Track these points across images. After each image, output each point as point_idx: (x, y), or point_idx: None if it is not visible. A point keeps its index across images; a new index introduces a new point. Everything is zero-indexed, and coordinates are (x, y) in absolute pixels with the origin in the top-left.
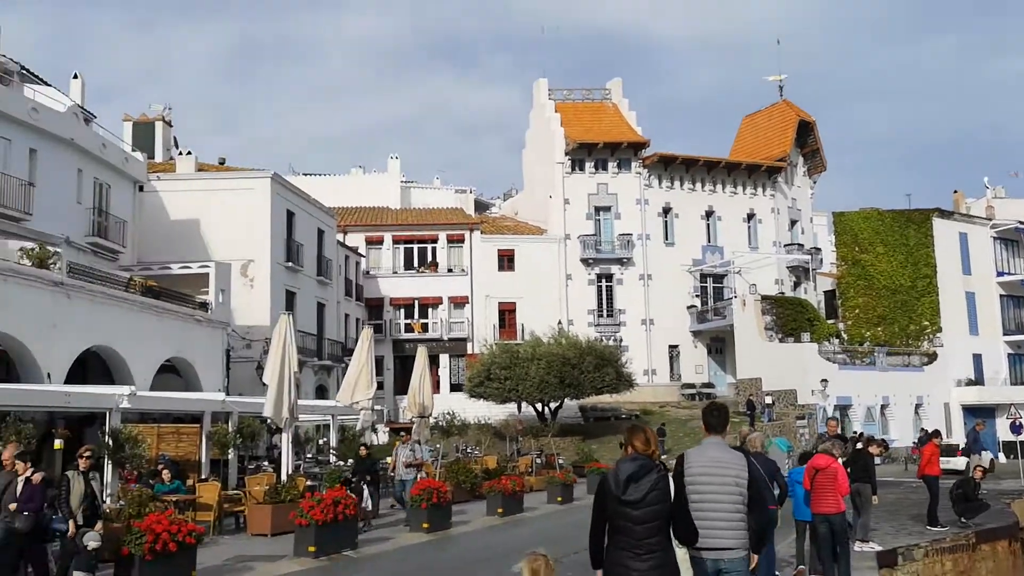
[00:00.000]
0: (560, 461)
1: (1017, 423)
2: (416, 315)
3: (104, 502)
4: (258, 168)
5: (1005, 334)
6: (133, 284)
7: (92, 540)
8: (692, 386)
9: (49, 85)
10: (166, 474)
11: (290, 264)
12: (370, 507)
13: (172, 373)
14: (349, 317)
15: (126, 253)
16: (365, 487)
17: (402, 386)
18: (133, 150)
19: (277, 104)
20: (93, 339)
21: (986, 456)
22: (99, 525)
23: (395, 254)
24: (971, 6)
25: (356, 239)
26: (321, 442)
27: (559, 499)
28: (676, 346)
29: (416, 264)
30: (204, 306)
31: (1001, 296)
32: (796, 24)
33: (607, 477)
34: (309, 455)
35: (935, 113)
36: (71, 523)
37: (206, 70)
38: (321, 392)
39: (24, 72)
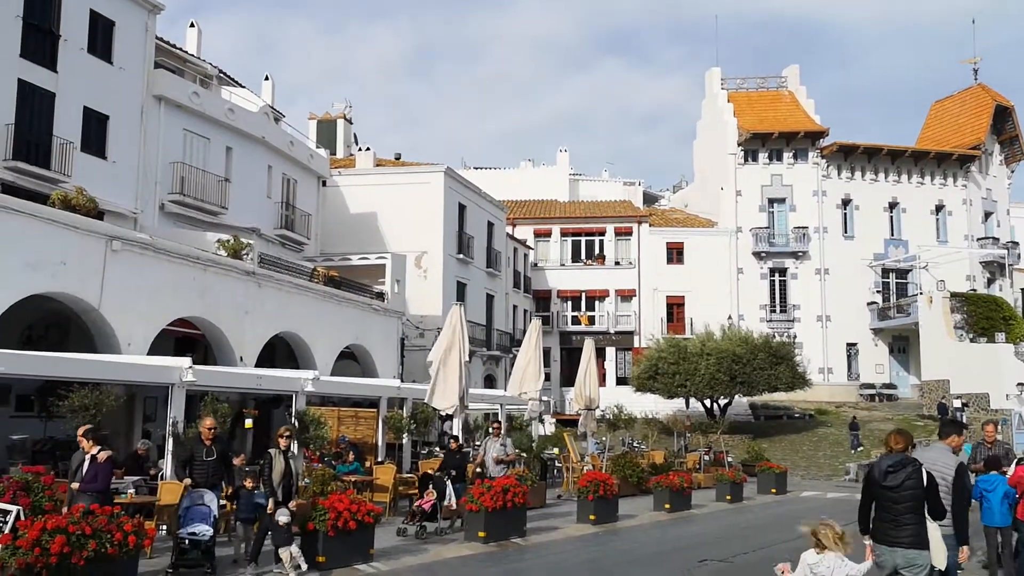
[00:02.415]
0: (729, 459)
1: None
2: (583, 308)
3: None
4: (432, 163)
5: None
6: (316, 274)
7: (282, 515)
8: (872, 386)
9: (243, 87)
10: (350, 456)
11: (461, 256)
12: (455, 505)
13: (351, 359)
14: (517, 308)
15: (310, 245)
16: (449, 484)
17: (568, 378)
18: (317, 147)
19: (450, 100)
20: (281, 326)
21: None
22: (294, 502)
23: (563, 246)
24: None
25: (525, 232)
26: (491, 430)
27: (728, 498)
28: (854, 344)
29: (583, 257)
30: (381, 296)
31: None
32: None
33: (872, 468)
34: (478, 443)
35: None
36: (271, 500)
37: (384, 69)
38: (489, 381)
39: (222, 75)
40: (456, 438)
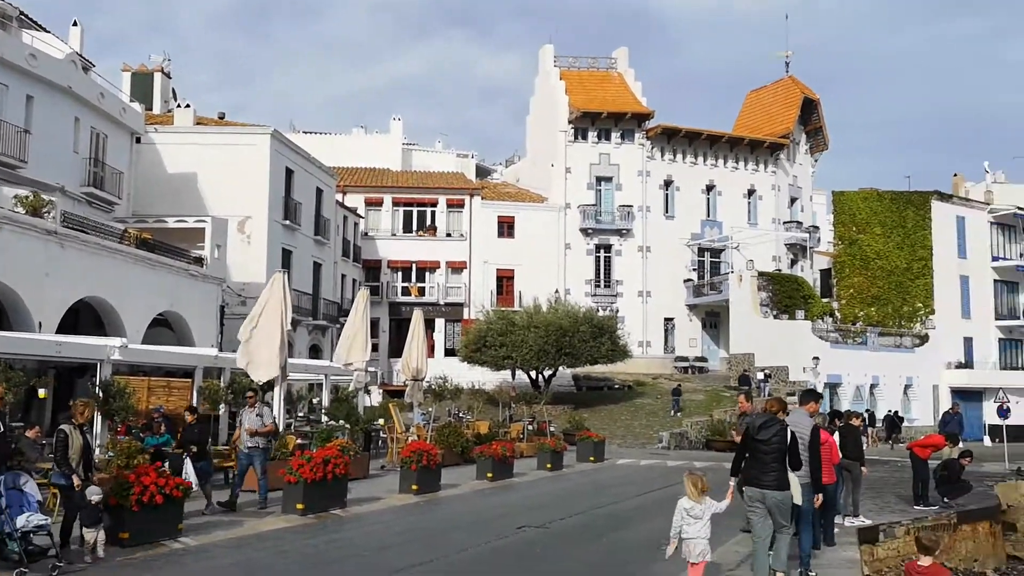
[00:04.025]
0: (551, 429)
1: (1004, 407)
2: (413, 279)
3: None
4: (258, 124)
5: (997, 319)
6: (128, 236)
7: (94, 494)
8: (685, 359)
9: (48, 32)
10: (161, 428)
11: (288, 222)
12: (195, 487)
13: (165, 327)
14: (346, 278)
15: (121, 204)
16: (188, 461)
17: (397, 349)
18: (131, 101)
19: (281, 61)
20: (86, 290)
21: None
22: (96, 476)
23: (394, 216)
24: None
25: (355, 200)
26: (314, 401)
27: (548, 466)
28: (672, 319)
29: (415, 227)
30: (199, 261)
31: (995, 281)
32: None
33: (749, 424)
34: (301, 414)
35: (939, 96)
36: (75, 477)
37: (208, 23)
38: (315, 351)
39: (23, 18)
40: (194, 409)
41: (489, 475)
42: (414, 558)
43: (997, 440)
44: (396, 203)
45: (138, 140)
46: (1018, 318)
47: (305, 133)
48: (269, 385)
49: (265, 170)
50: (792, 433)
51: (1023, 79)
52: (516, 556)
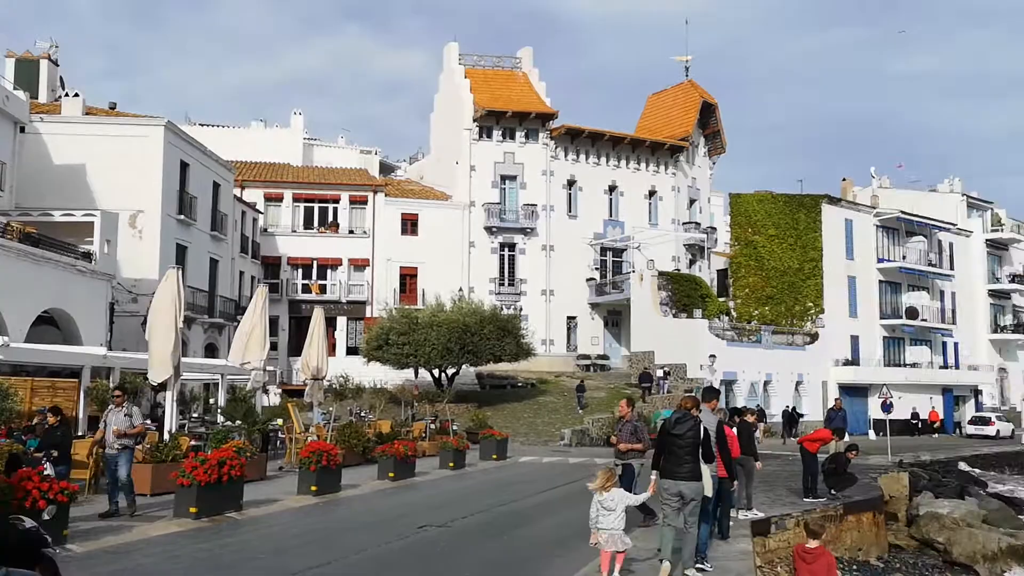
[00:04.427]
0: (454, 427)
1: (887, 402)
2: (314, 276)
3: None
4: (152, 115)
5: (881, 318)
6: (10, 230)
7: None
8: (587, 357)
9: None
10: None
11: (182, 217)
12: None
13: (50, 325)
14: (244, 275)
15: (4, 196)
16: (49, 465)
17: (297, 347)
18: (15, 88)
19: (177, 50)
20: None
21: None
22: None
23: (295, 212)
24: (875, 3)
25: (254, 195)
26: (209, 401)
27: (451, 465)
28: (574, 317)
29: (316, 224)
30: (87, 256)
31: (880, 282)
32: (704, 5)
33: (665, 420)
34: (195, 415)
35: (829, 103)
36: None
37: (99, 10)
38: (211, 351)
39: None
40: (56, 410)
41: (391, 475)
42: (312, 560)
43: (881, 434)
44: (297, 199)
45: (22, 130)
46: (900, 317)
47: (202, 126)
48: (162, 385)
49: (158, 163)
50: (704, 428)
51: (907, 88)
52: (417, 556)
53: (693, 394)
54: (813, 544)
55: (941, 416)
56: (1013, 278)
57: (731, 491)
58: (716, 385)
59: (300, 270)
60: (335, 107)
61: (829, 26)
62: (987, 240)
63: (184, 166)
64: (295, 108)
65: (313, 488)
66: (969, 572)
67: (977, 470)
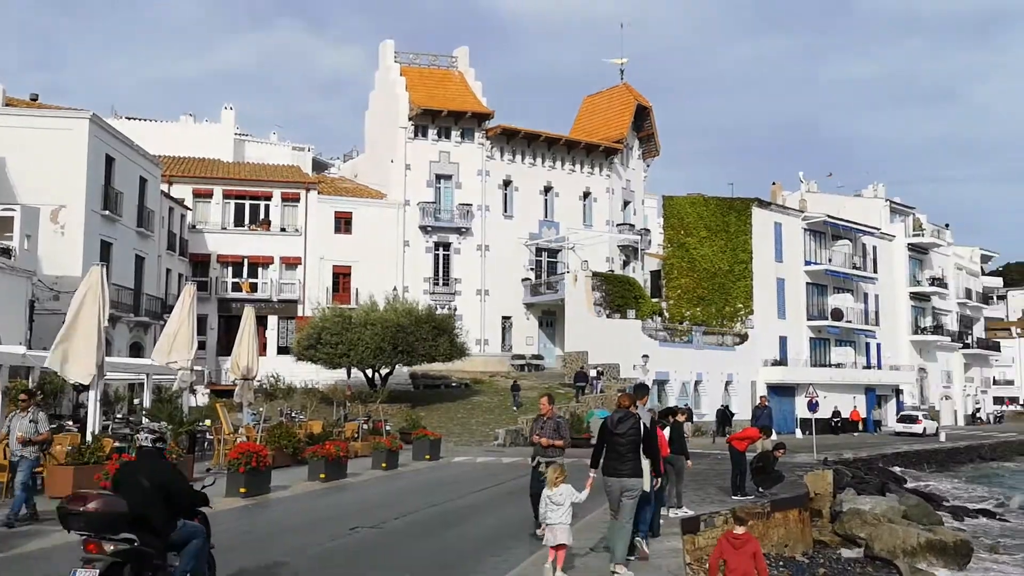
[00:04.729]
0: (387, 427)
1: (813, 401)
2: (245, 274)
3: None
4: (76, 108)
5: (808, 319)
6: None
7: None
8: (522, 357)
9: None
10: None
11: (107, 212)
12: None
13: None
14: (171, 273)
15: None
16: None
17: (226, 347)
18: None
19: (103, 41)
20: None
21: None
22: None
23: (225, 209)
24: (806, 11)
25: (183, 191)
26: (134, 402)
27: (383, 465)
28: (509, 317)
29: (247, 221)
30: (7, 252)
31: (807, 284)
32: (639, 10)
33: (607, 419)
34: (119, 416)
35: (761, 109)
36: None
37: None
38: (136, 350)
39: None
40: None
41: (322, 476)
42: (239, 564)
43: (807, 432)
44: (227, 195)
45: None
46: (826, 319)
47: (128, 119)
48: (85, 385)
49: (82, 156)
50: (644, 425)
51: (836, 96)
52: (348, 558)
53: (628, 392)
54: (740, 530)
55: (862, 415)
56: (933, 281)
57: (659, 489)
58: (648, 385)
59: (230, 268)
60: (268, 103)
61: (762, 33)
62: (909, 244)
63: (109, 160)
64: (226, 103)
65: (242, 490)
66: (889, 566)
67: (898, 468)
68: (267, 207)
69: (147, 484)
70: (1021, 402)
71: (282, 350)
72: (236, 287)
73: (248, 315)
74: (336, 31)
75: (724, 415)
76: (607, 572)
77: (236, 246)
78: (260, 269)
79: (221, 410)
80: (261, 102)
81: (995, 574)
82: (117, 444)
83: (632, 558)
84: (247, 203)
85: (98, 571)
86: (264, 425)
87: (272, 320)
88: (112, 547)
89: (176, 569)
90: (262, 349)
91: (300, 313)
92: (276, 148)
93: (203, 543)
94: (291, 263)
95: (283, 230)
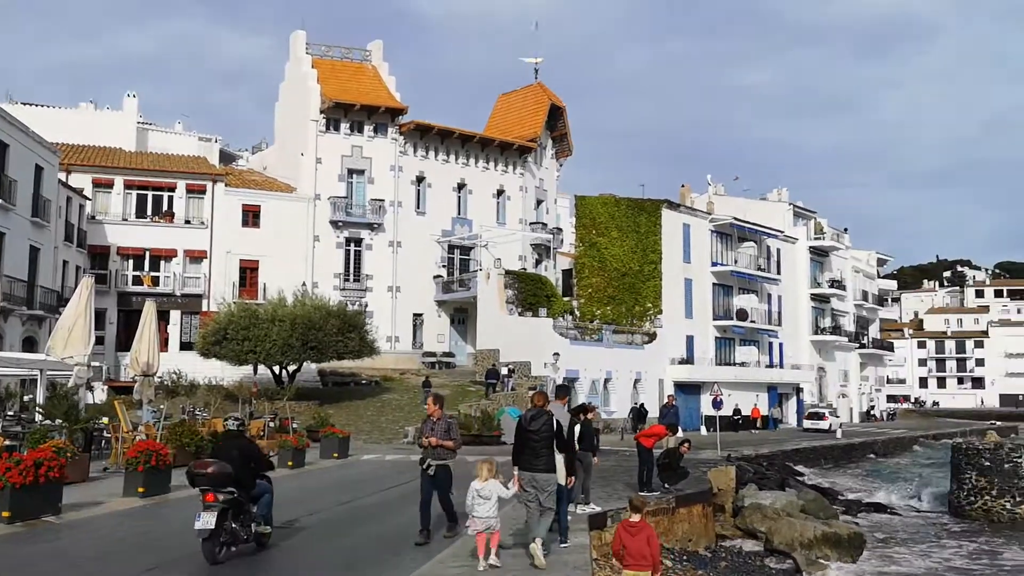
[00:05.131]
0: (295, 425)
1: (718, 399)
2: (147, 267)
3: None
4: None
5: (714, 319)
6: None
7: None
8: (433, 354)
9: None
10: None
11: (0, 201)
12: None
13: None
14: (68, 265)
15: None
16: None
17: (126, 342)
18: None
19: None
20: None
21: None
22: None
23: (126, 200)
24: (713, 18)
25: (82, 180)
26: (26, 399)
27: (290, 464)
28: (420, 314)
29: (150, 213)
30: None
31: (713, 284)
32: (554, 11)
33: (521, 417)
34: (11, 413)
35: (672, 112)
36: None
37: None
38: (30, 344)
39: None
40: None
41: None
42: (139, 565)
43: (711, 429)
44: (129, 186)
45: None
46: (732, 319)
47: (24, 105)
48: None
49: None
50: (558, 421)
51: (743, 102)
52: (251, 558)
53: (542, 390)
54: (635, 518)
55: (762, 413)
56: (832, 283)
57: (569, 486)
58: (559, 383)
59: (131, 261)
60: (174, 92)
61: (670, 39)
62: (810, 247)
63: (3, 147)
64: (129, 90)
65: (140, 489)
66: (787, 559)
67: (800, 466)
68: (171, 199)
69: (236, 454)
70: (912, 400)
71: (185, 346)
72: (137, 280)
73: (149, 309)
74: (246, 20)
75: (639, 413)
76: (527, 561)
77: (138, 238)
78: (163, 262)
79: (120, 407)
80: (166, 91)
81: (885, 565)
82: (8, 443)
83: (567, 542)
84: (150, 194)
85: (215, 513)
86: (165, 423)
87: (175, 315)
88: (222, 497)
89: (255, 514)
90: (164, 345)
91: (205, 308)
92: (181, 138)
93: (271, 497)
94: (196, 256)
95: (188, 223)
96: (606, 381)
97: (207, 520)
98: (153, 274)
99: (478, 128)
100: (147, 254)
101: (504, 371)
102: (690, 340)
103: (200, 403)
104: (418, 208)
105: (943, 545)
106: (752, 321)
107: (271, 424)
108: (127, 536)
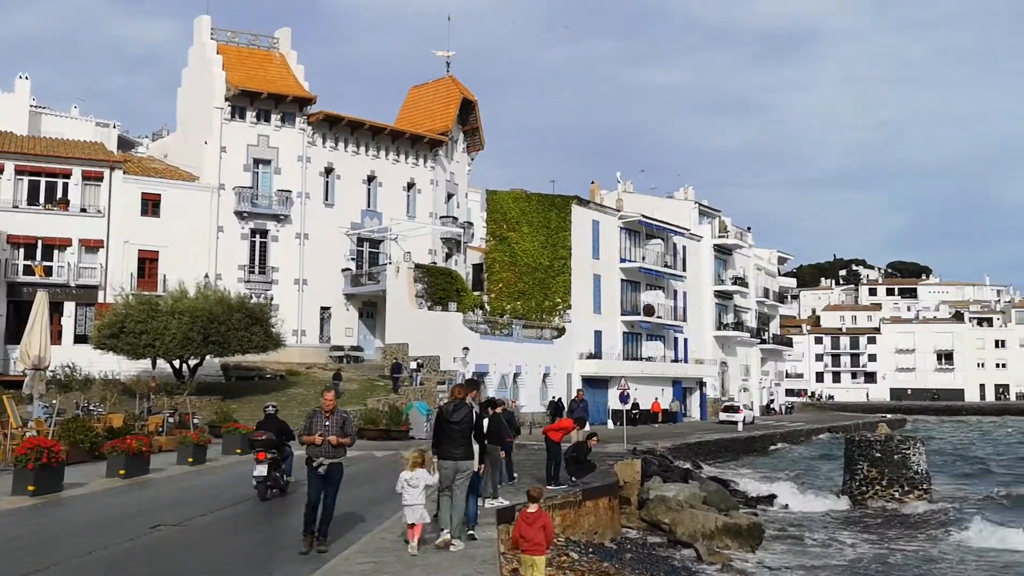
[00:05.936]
0: (195, 421)
1: (625, 393)
2: (39, 256)
3: None
4: None
5: (622, 314)
6: None
7: None
8: (341, 348)
9: None
10: None
11: None
12: None
13: None
14: None
15: None
16: None
17: (16, 334)
18: None
19: None
20: None
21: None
22: None
23: (17, 186)
24: (621, 17)
25: None
26: None
27: (191, 460)
28: (328, 308)
29: (43, 200)
30: None
31: (622, 280)
32: (467, 5)
33: (443, 408)
34: None
35: (583, 110)
36: None
37: None
38: None
39: None
40: None
41: (122, 472)
42: (27, 567)
43: (619, 423)
44: (20, 171)
45: None
46: (639, 314)
47: None
48: None
49: None
50: (476, 413)
51: (653, 101)
52: (147, 558)
53: (461, 383)
54: (533, 508)
55: (662, 406)
56: (735, 281)
57: (478, 479)
58: (468, 377)
59: (22, 250)
60: (70, 74)
61: (585, 37)
62: (715, 245)
63: None
64: (21, 72)
65: (31, 488)
66: (690, 549)
67: (711, 466)
68: (66, 185)
69: (275, 429)
70: (809, 394)
71: (80, 339)
72: (28, 270)
73: (41, 300)
74: (148, 2)
75: (557, 407)
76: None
77: (29, 226)
78: (56, 252)
79: (8, 402)
80: (62, 73)
81: (782, 554)
82: None
83: (474, 535)
84: (43, 180)
85: (267, 465)
86: (58, 419)
87: (69, 307)
88: (268, 456)
89: (284, 468)
90: (56, 337)
91: (101, 299)
92: (78, 123)
93: (292, 459)
94: (92, 246)
95: (84, 211)
96: (515, 375)
97: (261, 470)
98: (46, 263)
99: (389, 120)
100: (39, 243)
101: (413, 365)
102: (598, 335)
103: (96, 398)
104: (326, 200)
105: (836, 534)
106: (659, 317)
107: (171, 420)
108: (15, 537)
